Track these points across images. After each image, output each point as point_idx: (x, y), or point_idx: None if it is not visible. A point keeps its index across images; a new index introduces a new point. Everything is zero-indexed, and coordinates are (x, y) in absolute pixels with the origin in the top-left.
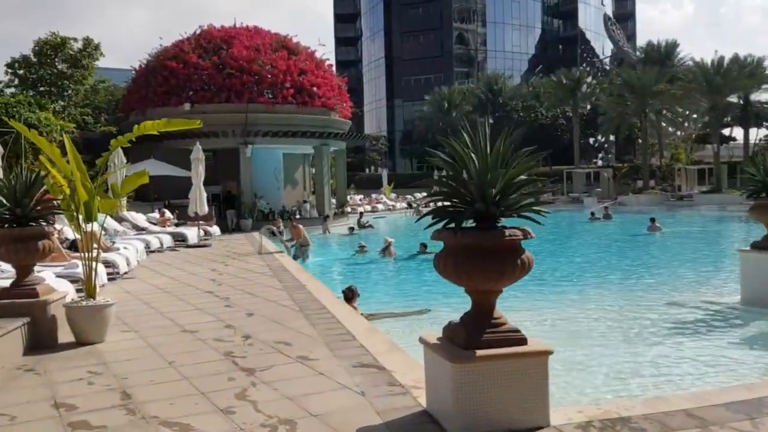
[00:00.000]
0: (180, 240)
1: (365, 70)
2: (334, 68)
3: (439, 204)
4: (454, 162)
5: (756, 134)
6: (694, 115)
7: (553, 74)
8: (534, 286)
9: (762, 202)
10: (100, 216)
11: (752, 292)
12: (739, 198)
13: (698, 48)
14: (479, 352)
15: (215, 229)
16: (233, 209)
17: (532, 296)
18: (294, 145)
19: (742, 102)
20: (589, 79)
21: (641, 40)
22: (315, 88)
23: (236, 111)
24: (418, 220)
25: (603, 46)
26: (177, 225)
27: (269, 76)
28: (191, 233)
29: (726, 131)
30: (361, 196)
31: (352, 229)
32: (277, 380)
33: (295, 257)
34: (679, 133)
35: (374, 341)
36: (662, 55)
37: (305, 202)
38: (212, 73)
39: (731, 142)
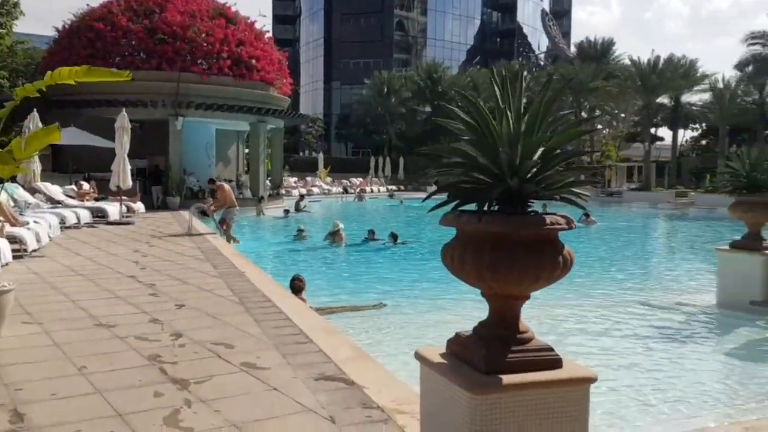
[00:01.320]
0: (100, 216)
1: (303, 50)
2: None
3: (451, 179)
4: (477, 124)
5: (683, 135)
6: (622, 115)
7: (492, 66)
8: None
9: (745, 199)
10: (9, 185)
11: (730, 294)
12: (668, 195)
13: (624, 50)
14: (506, 379)
15: (139, 206)
16: (160, 185)
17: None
18: (229, 120)
19: (672, 103)
20: (525, 73)
21: (574, 39)
22: (254, 61)
23: (167, 80)
24: (426, 199)
25: (539, 42)
26: (97, 199)
27: (205, 44)
28: (112, 209)
29: (652, 131)
30: (296, 179)
31: (287, 211)
32: (218, 397)
33: (220, 223)
34: (606, 131)
35: (335, 345)
36: (598, 52)
37: (231, 181)
38: (143, 38)
39: (658, 142)
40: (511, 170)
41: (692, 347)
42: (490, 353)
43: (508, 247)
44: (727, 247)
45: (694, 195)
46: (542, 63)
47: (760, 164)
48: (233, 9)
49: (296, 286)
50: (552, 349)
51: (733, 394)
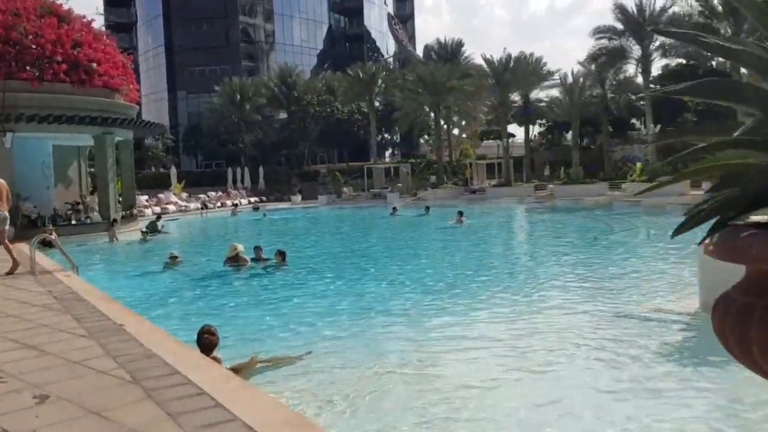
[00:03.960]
0: None
1: (142, 59)
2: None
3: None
4: None
5: (532, 131)
6: (480, 114)
7: (347, 70)
8: (421, 302)
9: None
10: None
11: (714, 296)
12: (528, 189)
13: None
14: None
15: None
16: None
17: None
18: (68, 133)
19: (522, 100)
20: (383, 75)
21: (418, 43)
22: (94, 65)
23: None
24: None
25: (387, 46)
26: None
27: (34, 46)
28: None
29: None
30: (147, 197)
31: (145, 233)
32: None
33: None
34: (456, 131)
35: None
36: (449, 53)
37: (78, 204)
38: None
39: (511, 138)
40: None
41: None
42: None
43: None
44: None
45: (553, 187)
46: (391, 67)
47: None
48: (65, 7)
49: (208, 342)
50: None
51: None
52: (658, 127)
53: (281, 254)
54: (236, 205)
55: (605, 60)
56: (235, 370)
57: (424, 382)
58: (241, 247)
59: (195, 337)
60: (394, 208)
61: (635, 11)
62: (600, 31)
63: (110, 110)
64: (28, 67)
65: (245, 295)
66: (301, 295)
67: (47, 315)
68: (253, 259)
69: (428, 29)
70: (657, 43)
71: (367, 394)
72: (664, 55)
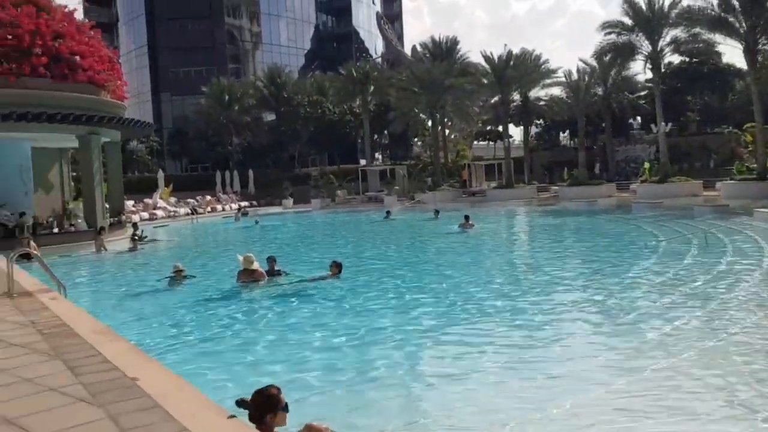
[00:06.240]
0: None
1: (124, 59)
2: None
3: None
4: None
5: (529, 132)
6: (476, 110)
7: (339, 69)
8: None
9: None
10: None
11: None
12: (530, 191)
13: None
14: None
15: None
16: None
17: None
18: (49, 132)
19: (522, 99)
20: (375, 74)
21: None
22: (78, 58)
23: None
24: None
25: (376, 45)
26: None
27: (10, 37)
28: None
29: (500, 128)
30: (133, 202)
31: (135, 240)
32: None
33: None
34: (447, 132)
35: None
36: (444, 51)
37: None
38: None
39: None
40: None
41: None
42: None
43: None
44: None
45: (557, 189)
46: (380, 67)
47: None
48: None
49: (260, 410)
50: None
51: None
52: (669, 126)
53: (337, 266)
54: (240, 207)
55: (612, 56)
56: None
57: None
58: (256, 261)
59: (235, 392)
60: (388, 212)
61: (645, 6)
62: (609, 26)
63: (96, 108)
64: (3, 61)
65: (278, 322)
66: (353, 322)
67: (30, 362)
68: (267, 272)
69: (410, 32)
70: (668, 39)
71: None
72: (676, 50)
